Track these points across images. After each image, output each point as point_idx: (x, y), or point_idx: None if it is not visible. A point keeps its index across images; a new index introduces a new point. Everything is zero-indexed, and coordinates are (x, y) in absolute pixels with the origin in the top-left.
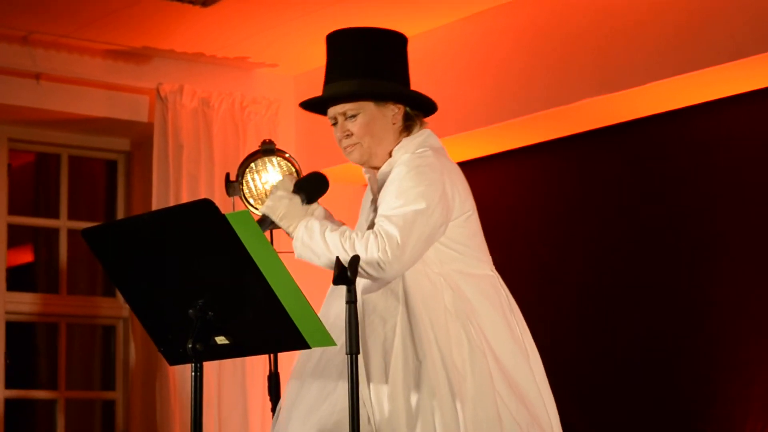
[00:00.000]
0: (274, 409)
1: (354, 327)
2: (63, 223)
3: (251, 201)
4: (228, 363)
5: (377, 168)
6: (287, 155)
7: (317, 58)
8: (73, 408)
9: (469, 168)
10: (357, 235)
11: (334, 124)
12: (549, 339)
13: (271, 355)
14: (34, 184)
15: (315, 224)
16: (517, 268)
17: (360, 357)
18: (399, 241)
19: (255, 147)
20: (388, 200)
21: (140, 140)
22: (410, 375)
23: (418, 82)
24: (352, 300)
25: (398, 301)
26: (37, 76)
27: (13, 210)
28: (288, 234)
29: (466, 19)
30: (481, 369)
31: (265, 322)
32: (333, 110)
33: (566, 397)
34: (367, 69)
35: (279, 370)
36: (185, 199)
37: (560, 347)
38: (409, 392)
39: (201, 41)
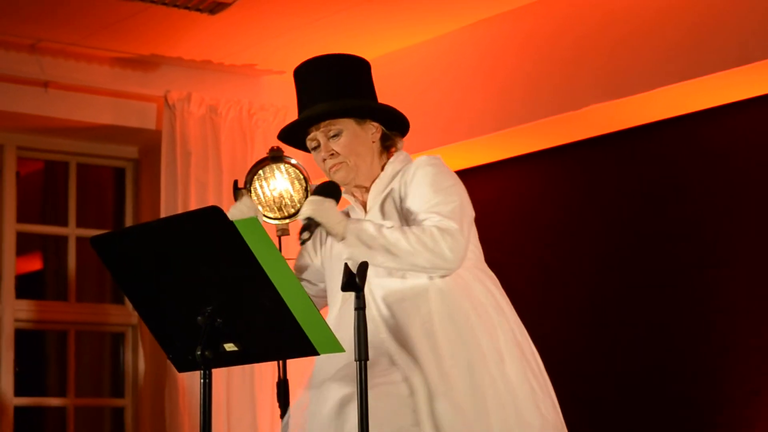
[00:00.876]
0: (283, 416)
1: (363, 333)
2: (71, 231)
3: (259, 208)
4: (237, 370)
5: (361, 187)
6: (295, 162)
7: None
8: (83, 415)
9: (476, 174)
10: (415, 229)
11: (315, 148)
12: (553, 343)
13: (280, 362)
14: (43, 191)
15: (367, 223)
16: (523, 273)
17: (396, 344)
18: (457, 229)
19: (263, 154)
20: (427, 197)
21: (148, 148)
22: (461, 358)
23: (425, 90)
24: (360, 306)
25: (428, 290)
26: (45, 84)
27: (21, 218)
28: (334, 234)
29: (473, 26)
30: (515, 357)
31: (273, 329)
32: (314, 133)
33: (571, 402)
34: (342, 89)
35: (288, 377)
36: (193, 206)
37: (565, 352)
38: (464, 373)
39: (209, 49)
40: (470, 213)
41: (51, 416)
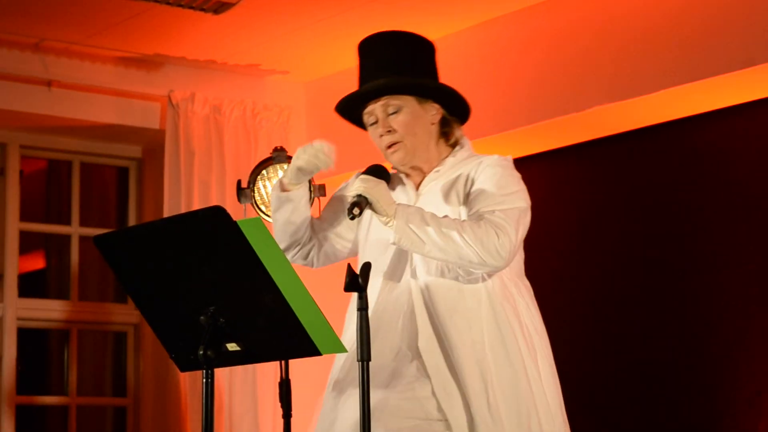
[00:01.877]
0: (285, 416)
1: (366, 333)
2: (74, 230)
3: (263, 208)
4: (239, 370)
5: (416, 168)
6: None
7: (328, 65)
8: (85, 414)
9: None
10: (472, 223)
11: (372, 124)
12: (558, 346)
13: (282, 362)
14: (46, 190)
15: (419, 209)
16: (528, 275)
17: (441, 358)
18: (513, 232)
19: (266, 154)
20: (491, 197)
21: (152, 147)
22: (508, 384)
23: None
24: (363, 307)
25: (480, 302)
26: (49, 83)
27: (24, 217)
28: (382, 214)
29: (478, 26)
30: (553, 384)
31: (276, 329)
32: (373, 106)
33: (574, 406)
34: (405, 66)
35: (290, 377)
36: (197, 206)
37: (570, 354)
38: (511, 400)
39: (212, 48)
40: (526, 221)
41: (53, 415)
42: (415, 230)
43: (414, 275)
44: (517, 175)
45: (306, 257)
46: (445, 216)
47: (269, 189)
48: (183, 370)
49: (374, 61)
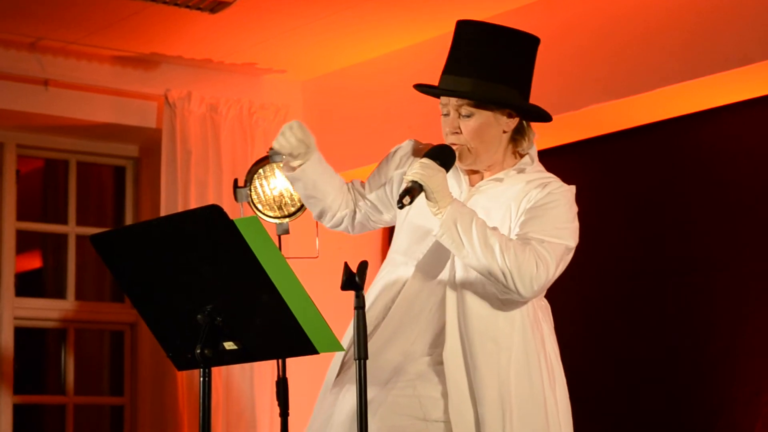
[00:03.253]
0: (282, 415)
1: (362, 332)
2: (71, 229)
3: (259, 206)
4: (236, 368)
5: (475, 171)
6: None
7: (325, 64)
8: (82, 413)
9: None
10: (517, 245)
11: (445, 115)
12: (559, 346)
13: (279, 361)
14: (43, 190)
15: (474, 214)
16: None
17: (464, 375)
18: (553, 268)
19: (263, 153)
20: (545, 225)
21: (148, 146)
22: (529, 420)
23: None
24: (360, 306)
25: (513, 327)
26: (46, 83)
27: (21, 216)
28: (434, 204)
29: None
30: (567, 415)
31: (273, 328)
32: (448, 102)
33: (573, 405)
34: (491, 71)
35: (287, 375)
36: (193, 204)
37: (568, 354)
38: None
39: (209, 47)
40: (567, 260)
41: (50, 414)
42: (460, 231)
43: (453, 280)
44: (575, 210)
45: (340, 224)
46: (495, 228)
47: (266, 188)
48: (180, 369)
49: (464, 53)
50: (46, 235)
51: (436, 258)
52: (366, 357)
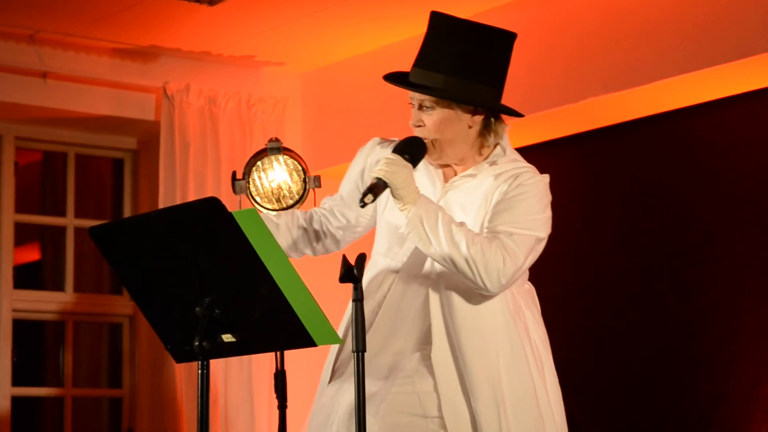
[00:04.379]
0: (280, 407)
1: (360, 324)
2: (70, 221)
3: (258, 199)
4: (234, 361)
5: (446, 165)
6: (294, 153)
7: (324, 56)
8: (80, 405)
9: None
10: (483, 240)
11: (412, 106)
12: (552, 338)
13: (278, 353)
14: (41, 182)
15: (439, 208)
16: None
17: (453, 371)
18: (520, 261)
19: (262, 145)
20: (514, 218)
21: (147, 139)
22: (519, 407)
23: None
24: (358, 298)
25: (496, 319)
26: (44, 75)
27: (20, 208)
28: (400, 201)
29: (474, 18)
30: (559, 400)
31: (271, 320)
32: (413, 95)
33: (571, 397)
34: (459, 67)
35: (285, 367)
36: (192, 197)
37: (564, 347)
38: (522, 428)
39: (208, 40)
40: (538, 250)
41: (49, 406)
42: (426, 228)
43: (435, 278)
44: (548, 199)
45: (326, 251)
46: (462, 223)
47: (264, 180)
48: (178, 361)
49: (435, 47)
50: (44, 228)
51: (418, 257)
52: (364, 349)
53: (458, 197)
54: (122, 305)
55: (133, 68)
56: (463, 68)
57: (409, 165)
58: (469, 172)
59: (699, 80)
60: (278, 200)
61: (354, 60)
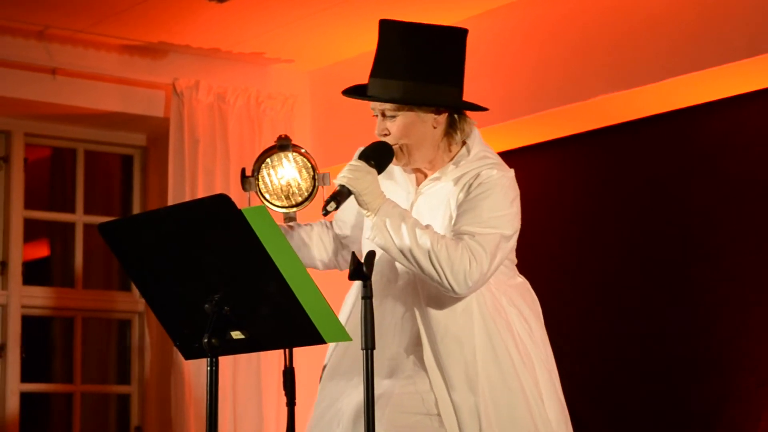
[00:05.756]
0: (289, 404)
1: (370, 322)
2: (79, 218)
3: (267, 196)
4: (243, 358)
5: (417, 170)
6: (303, 150)
7: (333, 54)
8: (89, 402)
9: None
10: (449, 242)
11: (376, 116)
12: (559, 336)
13: (286, 350)
14: (50, 178)
15: (404, 212)
16: (530, 265)
17: (438, 374)
18: (487, 262)
19: (271, 142)
20: (478, 218)
21: (156, 135)
22: (504, 406)
23: None
24: (367, 295)
25: (472, 320)
26: (53, 71)
27: (29, 204)
28: (365, 208)
29: (480, 16)
30: (551, 392)
31: (280, 317)
32: (374, 106)
33: (579, 395)
34: (416, 71)
35: (294, 365)
36: (201, 194)
37: (572, 344)
38: (507, 424)
39: (217, 37)
40: (506, 248)
41: (57, 402)
42: (391, 232)
43: (412, 286)
44: (512, 195)
45: (335, 266)
46: (428, 226)
47: (273, 177)
48: (187, 358)
49: (388, 55)
50: (53, 224)
51: (393, 266)
52: (373, 347)
53: (427, 202)
54: (131, 302)
55: (142, 65)
56: (419, 71)
57: (374, 171)
58: (434, 175)
59: (707, 79)
60: (287, 197)
61: (363, 57)
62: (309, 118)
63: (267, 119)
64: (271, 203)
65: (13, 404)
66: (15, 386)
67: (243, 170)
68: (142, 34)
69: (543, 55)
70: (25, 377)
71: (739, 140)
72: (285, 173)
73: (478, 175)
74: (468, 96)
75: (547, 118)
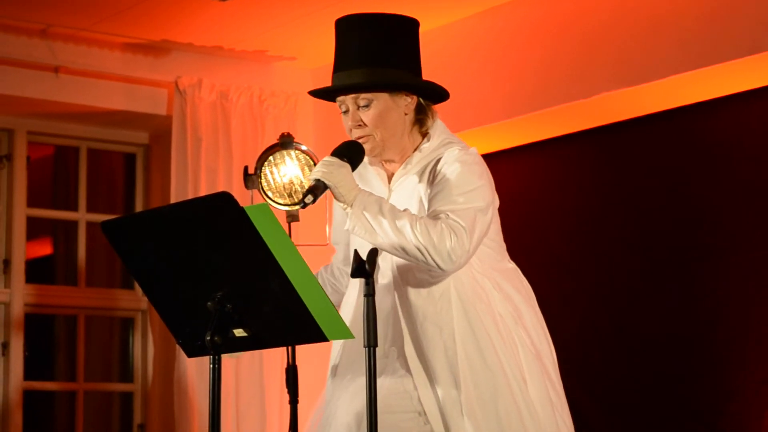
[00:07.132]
0: (291, 402)
1: (372, 320)
2: (82, 216)
3: (269, 194)
4: (246, 355)
5: (389, 161)
6: (305, 148)
7: None
8: (92, 400)
9: (486, 162)
10: (428, 221)
11: (345, 112)
12: (563, 334)
13: (289, 348)
14: (53, 176)
15: (380, 199)
16: (532, 262)
17: (418, 363)
18: (467, 237)
19: (273, 140)
20: (448, 196)
21: (159, 133)
22: (485, 386)
23: (436, 76)
24: (370, 293)
25: (450, 304)
26: (56, 69)
27: (32, 203)
28: (341, 201)
29: (484, 13)
30: (536, 373)
31: (283, 315)
32: (344, 98)
33: (581, 394)
34: (378, 57)
35: (297, 362)
36: (204, 192)
37: (574, 340)
38: (488, 404)
39: (220, 34)
40: (485, 221)
41: (60, 401)
42: (370, 219)
43: (395, 280)
44: (479, 170)
45: None
46: (406, 210)
47: (276, 175)
48: (190, 355)
49: (349, 47)
50: (56, 222)
51: (384, 260)
52: (376, 344)
53: (400, 196)
54: (134, 300)
55: (145, 63)
56: (379, 56)
57: (347, 165)
58: (401, 169)
59: (711, 76)
60: (290, 195)
61: None
62: (311, 116)
63: (269, 117)
64: (274, 201)
65: (16, 402)
66: (18, 384)
67: (246, 168)
68: (144, 32)
69: (547, 53)
70: (28, 375)
71: (744, 137)
72: (287, 171)
73: (438, 159)
74: (472, 93)
75: (551, 115)
